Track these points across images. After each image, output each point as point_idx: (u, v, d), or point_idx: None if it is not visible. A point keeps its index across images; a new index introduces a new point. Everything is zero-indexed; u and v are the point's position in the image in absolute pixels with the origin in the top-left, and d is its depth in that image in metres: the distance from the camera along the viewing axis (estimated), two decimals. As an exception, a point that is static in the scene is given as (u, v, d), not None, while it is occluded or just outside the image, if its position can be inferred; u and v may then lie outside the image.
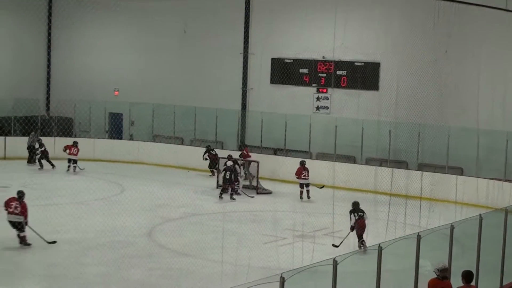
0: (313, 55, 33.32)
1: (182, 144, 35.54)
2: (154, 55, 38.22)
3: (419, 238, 12.36)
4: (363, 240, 19.51)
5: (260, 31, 34.90)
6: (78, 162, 32.12)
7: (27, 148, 33.75)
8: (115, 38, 39.66)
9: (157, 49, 38.04)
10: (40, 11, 41.24)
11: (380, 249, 11.27)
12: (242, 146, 33.11)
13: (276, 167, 31.48)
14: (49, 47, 41.83)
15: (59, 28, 41.32)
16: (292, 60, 34.02)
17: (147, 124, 36.70)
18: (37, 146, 33.11)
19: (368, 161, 31.44)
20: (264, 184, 29.03)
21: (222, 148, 33.33)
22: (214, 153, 31.90)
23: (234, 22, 35.40)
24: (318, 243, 20.59)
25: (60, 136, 35.90)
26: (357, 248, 19.28)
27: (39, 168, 32.77)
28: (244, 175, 29.01)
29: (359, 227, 19.68)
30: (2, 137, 35.27)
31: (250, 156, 31.36)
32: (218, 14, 36.09)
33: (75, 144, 32.71)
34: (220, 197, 26.96)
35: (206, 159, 31.88)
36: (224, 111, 34.64)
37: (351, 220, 19.78)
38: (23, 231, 19.42)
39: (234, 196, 26.98)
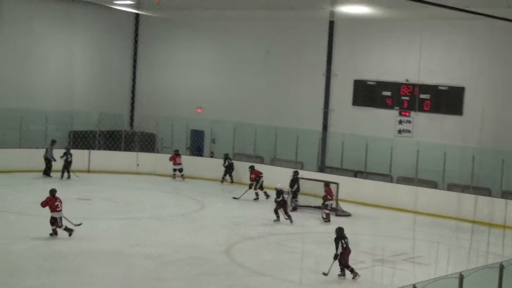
0: (396, 78, 33.00)
1: (262, 163, 35.55)
2: (237, 74, 38.48)
3: (501, 267, 12.04)
4: (353, 268, 18.72)
5: (343, 52, 34.77)
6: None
7: (45, 160, 33.55)
8: (199, 57, 40.11)
9: (240, 68, 38.31)
10: (127, 29, 42.18)
11: (461, 278, 11.03)
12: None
13: (356, 190, 31.18)
14: (134, 64, 42.67)
15: (145, 46, 42.14)
16: (375, 82, 33.76)
17: (228, 142, 36.88)
18: (48, 156, 33.44)
19: (450, 187, 30.83)
20: (343, 206, 28.78)
21: (302, 169, 33.21)
22: (231, 162, 33.41)
23: (317, 43, 35.36)
24: (398, 269, 20.27)
25: (143, 151, 36.46)
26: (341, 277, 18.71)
27: (67, 178, 33.30)
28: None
29: (346, 254, 18.81)
30: (87, 150, 35.99)
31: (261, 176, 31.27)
32: (302, 34, 36.14)
33: (177, 153, 34.34)
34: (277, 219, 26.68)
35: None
36: (305, 132, 34.53)
37: (337, 248, 18.68)
38: (61, 225, 21.81)
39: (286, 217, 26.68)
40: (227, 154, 34.80)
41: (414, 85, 32.26)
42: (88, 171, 35.41)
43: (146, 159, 35.30)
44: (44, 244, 20.72)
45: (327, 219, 26.72)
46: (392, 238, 24.74)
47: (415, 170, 30.83)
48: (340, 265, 18.73)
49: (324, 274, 18.68)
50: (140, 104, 42.29)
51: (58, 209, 21.69)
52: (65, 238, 21.56)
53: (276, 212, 26.31)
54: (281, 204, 26.28)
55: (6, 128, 35.48)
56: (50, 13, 38.63)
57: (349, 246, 18.85)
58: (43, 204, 21.89)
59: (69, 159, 33.31)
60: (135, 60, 42.67)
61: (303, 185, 29.19)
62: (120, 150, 37.03)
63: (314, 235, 24.68)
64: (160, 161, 35.46)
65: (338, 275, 18.76)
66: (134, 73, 42.64)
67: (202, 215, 26.97)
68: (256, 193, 30.50)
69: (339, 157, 33.60)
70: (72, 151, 33.82)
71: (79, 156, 35.03)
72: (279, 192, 26.41)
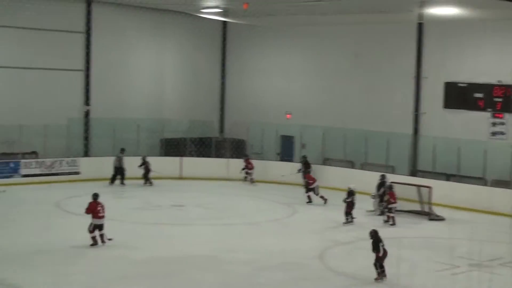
0: (488, 79, 32.35)
1: (353, 167, 35.39)
2: (325, 78, 38.40)
3: None
4: (383, 270, 18.64)
5: (433, 54, 34.28)
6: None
7: (115, 168, 33.67)
8: (287, 62, 40.21)
9: (328, 73, 38.23)
10: (215, 37, 42.67)
11: None
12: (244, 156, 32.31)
13: (449, 193, 30.67)
14: (223, 71, 43.09)
15: (233, 53, 42.51)
16: (466, 84, 33.15)
17: (317, 147, 36.86)
18: (120, 165, 33.63)
19: (548, 190, 30.03)
20: (437, 211, 28.39)
21: (393, 173, 32.90)
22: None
23: (406, 46, 34.96)
24: (495, 273, 19.87)
25: (233, 158, 36.80)
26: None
27: (149, 185, 33.71)
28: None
29: (384, 256, 18.74)
30: (178, 158, 36.55)
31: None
32: (390, 37, 35.80)
33: (248, 157, 35.16)
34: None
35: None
36: (395, 135, 34.22)
37: (380, 251, 18.65)
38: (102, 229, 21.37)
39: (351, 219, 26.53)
40: (305, 157, 34.86)
41: (507, 86, 31.57)
42: (180, 178, 35.95)
43: (236, 165, 35.57)
44: (141, 249, 21.11)
45: (392, 223, 26.38)
46: (488, 242, 24.19)
47: (511, 173, 30.17)
48: (381, 268, 18.66)
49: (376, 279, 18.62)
50: (229, 111, 42.71)
51: (99, 214, 21.26)
52: (160, 244, 21.94)
53: (346, 214, 26.34)
54: (349, 205, 26.28)
55: (100, 136, 36.39)
56: (141, 23, 39.41)
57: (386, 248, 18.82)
58: (87, 211, 21.42)
59: (149, 167, 33.91)
60: (223, 67, 43.13)
61: (395, 190, 28.84)
62: (210, 156, 37.47)
63: (406, 240, 24.40)
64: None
65: (375, 279, 18.65)
66: (223, 80, 43.07)
67: (294, 220, 27.05)
68: (308, 196, 30.37)
69: (430, 160, 33.18)
70: (164, 158, 34.42)
71: (170, 163, 35.70)
72: (350, 193, 26.38)
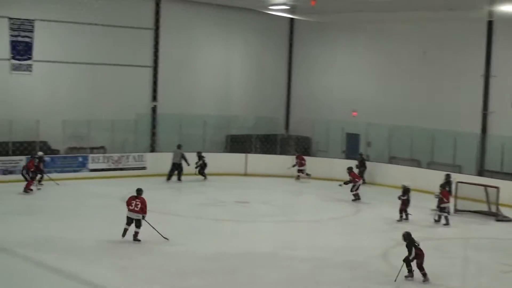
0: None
1: (419, 166, 35.01)
2: (392, 76, 38.08)
3: None
4: (425, 272, 18.43)
5: (503, 53, 33.63)
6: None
7: (174, 165, 33.70)
8: (354, 59, 40.04)
9: (395, 70, 37.89)
10: (282, 34, 42.72)
11: None
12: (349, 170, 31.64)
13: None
14: (289, 68, 43.15)
15: (300, 49, 42.51)
16: (536, 83, 32.57)
17: (383, 145, 36.59)
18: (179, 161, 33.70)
19: None
20: (504, 211, 27.89)
21: (460, 172, 32.45)
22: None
23: (475, 44, 34.38)
24: None
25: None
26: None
27: (203, 179, 34.01)
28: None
29: (422, 257, 18.59)
30: (244, 154, 36.71)
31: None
32: (459, 35, 35.25)
33: (301, 154, 35.30)
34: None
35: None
36: (462, 134, 33.72)
37: (411, 253, 18.53)
38: (139, 226, 20.99)
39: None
40: (361, 154, 34.87)
41: None
42: (245, 174, 36.13)
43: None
44: (203, 245, 21.28)
45: (446, 223, 25.94)
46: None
47: None
48: (408, 266, 18.57)
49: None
50: (295, 108, 42.74)
51: (130, 207, 21.11)
52: (223, 240, 22.09)
53: (400, 211, 26.17)
54: (405, 203, 26.10)
55: (167, 132, 36.79)
56: (209, 20, 39.70)
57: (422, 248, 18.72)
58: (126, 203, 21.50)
59: (205, 162, 34.15)
60: (290, 64, 43.18)
61: (462, 189, 28.50)
62: (276, 153, 37.53)
63: (473, 240, 24.07)
64: (316, 164, 35.69)
65: (405, 276, 18.53)
66: (289, 77, 43.12)
67: (358, 218, 26.93)
68: (355, 194, 30.19)
69: (498, 160, 32.61)
70: (229, 155, 34.61)
71: (236, 160, 35.92)
72: (405, 191, 26.19)
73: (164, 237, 21.21)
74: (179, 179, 33.52)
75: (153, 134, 37.47)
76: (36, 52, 34.03)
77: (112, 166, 34.03)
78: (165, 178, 33.19)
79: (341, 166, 34.61)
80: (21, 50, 33.71)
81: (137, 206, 21.03)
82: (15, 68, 33.65)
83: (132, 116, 36.06)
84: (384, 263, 20.32)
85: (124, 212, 21.25)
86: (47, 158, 31.83)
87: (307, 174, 35.09)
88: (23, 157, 31.44)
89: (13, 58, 33.57)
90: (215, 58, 40.51)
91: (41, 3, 33.78)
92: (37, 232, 21.92)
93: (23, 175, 29.13)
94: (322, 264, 19.79)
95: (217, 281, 17.91)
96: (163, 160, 34.11)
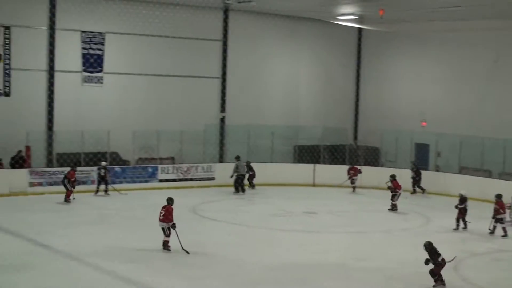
0: None
1: (490, 177, 34.40)
2: (462, 85, 37.59)
3: None
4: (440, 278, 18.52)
5: None
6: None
7: (240, 176, 33.46)
8: (422, 68, 39.67)
9: (465, 79, 37.41)
10: (350, 44, 42.62)
11: None
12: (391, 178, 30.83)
13: None
14: (358, 78, 43.02)
15: (368, 59, 42.36)
16: None
17: (453, 155, 36.05)
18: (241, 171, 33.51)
19: None
20: None
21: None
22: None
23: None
24: None
25: (367, 165, 36.50)
26: None
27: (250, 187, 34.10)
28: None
29: (442, 266, 18.55)
30: (312, 165, 36.62)
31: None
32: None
33: (354, 165, 34.86)
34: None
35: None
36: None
37: (437, 259, 18.47)
38: (167, 235, 21.00)
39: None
40: (415, 163, 34.74)
41: None
42: (313, 185, 36.03)
43: (370, 173, 35.31)
44: (272, 255, 21.27)
45: (504, 234, 25.31)
46: None
47: None
48: (433, 276, 18.46)
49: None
50: (363, 118, 42.54)
51: (159, 217, 21.19)
52: (292, 250, 22.05)
53: (457, 220, 25.87)
54: (462, 212, 25.75)
55: (235, 143, 36.98)
56: (277, 31, 39.88)
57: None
58: None
59: (251, 172, 34.09)
60: (358, 74, 43.06)
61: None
62: (344, 164, 37.32)
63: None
64: (384, 175, 35.31)
65: (433, 286, 18.39)
66: (357, 87, 42.99)
67: (427, 229, 26.54)
68: (394, 204, 29.78)
69: None
70: (297, 165, 34.57)
71: (304, 170, 35.83)
72: (462, 199, 25.81)
73: (185, 250, 20.89)
74: (242, 190, 33.37)
75: (222, 144, 37.70)
76: (107, 64, 34.68)
77: (181, 177, 34.34)
78: (233, 189, 33.27)
79: (409, 176, 34.31)
80: (93, 62, 34.38)
81: (161, 215, 21.16)
82: (87, 80, 34.34)
83: (200, 127, 36.36)
84: (456, 275, 19.98)
85: (194, 223, 21.39)
86: (117, 169, 32.34)
87: (422, 189, 34.62)
88: (94, 168, 32.00)
89: (85, 70, 34.25)
90: (283, 68, 40.61)
91: (112, 17, 34.45)
92: (107, 241, 22.25)
93: (64, 184, 29.31)
94: (391, 275, 19.57)
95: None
96: (231, 171, 34.30)
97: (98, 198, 30.56)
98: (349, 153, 38.48)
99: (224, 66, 38.29)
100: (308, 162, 37.21)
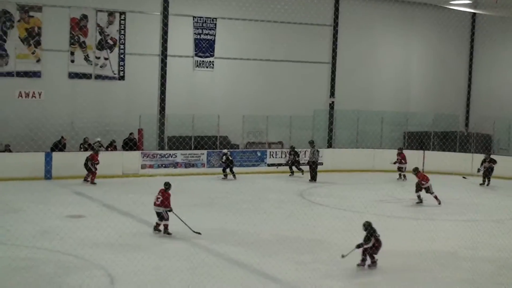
0: None
1: None
2: None
3: None
4: (376, 261, 18.32)
5: None
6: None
7: (312, 163, 32.60)
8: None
9: None
10: (463, 29, 41.71)
11: None
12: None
13: None
14: (470, 64, 42.11)
15: (482, 45, 41.39)
16: None
17: None
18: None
19: None
20: None
21: None
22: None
23: None
24: None
25: (478, 153, 35.73)
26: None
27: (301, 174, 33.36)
28: None
29: (378, 247, 18.15)
30: (421, 151, 36.15)
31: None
32: None
33: (401, 150, 33.55)
34: None
35: None
36: None
37: (370, 241, 18.06)
38: (164, 219, 20.69)
39: None
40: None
41: None
42: (423, 172, 35.47)
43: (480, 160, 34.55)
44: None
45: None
46: None
47: None
48: (363, 255, 18.21)
49: (343, 256, 18.00)
50: (476, 105, 41.66)
51: (155, 201, 20.88)
52: (402, 237, 21.84)
53: None
54: None
55: (344, 128, 36.89)
56: (388, 16, 39.50)
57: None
58: None
59: (297, 158, 33.58)
60: (471, 60, 42.15)
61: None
62: (454, 151, 36.65)
63: None
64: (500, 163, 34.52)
65: (357, 264, 18.17)
66: (470, 73, 42.10)
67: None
68: (418, 196, 28.21)
69: None
70: (406, 151, 34.15)
71: (413, 157, 35.30)
72: None
73: (195, 231, 20.72)
74: (314, 179, 32.39)
75: (330, 130, 37.64)
76: (218, 49, 35.12)
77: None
78: (341, 174, 33.13)
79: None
80: (204, 47, 34.90)
81: (158, 200, 20.88)
82: (198, 64, 34.90)
83: (309, 112, 36.40)
84: None
85: (301, 207, 21.45)
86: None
87: (403, 176, 33.60)
88: (205, 151, 32.53)
89: (196, 55, 34.80)
90: (394, 54, 40.18)
91: (223, 2, 34.80)
92: (217, 224, 22.59)
93: (88, 167, 29.00)
94: (503, 265, 19.16)
95: (392, 278, 17.75)
96: (340, 156, 34.21)
97: (208, 182, 31.05)
98: (460, 140, 37.74)
99: (334, 51, 38.18)
100: (417, 149, 36.73)
